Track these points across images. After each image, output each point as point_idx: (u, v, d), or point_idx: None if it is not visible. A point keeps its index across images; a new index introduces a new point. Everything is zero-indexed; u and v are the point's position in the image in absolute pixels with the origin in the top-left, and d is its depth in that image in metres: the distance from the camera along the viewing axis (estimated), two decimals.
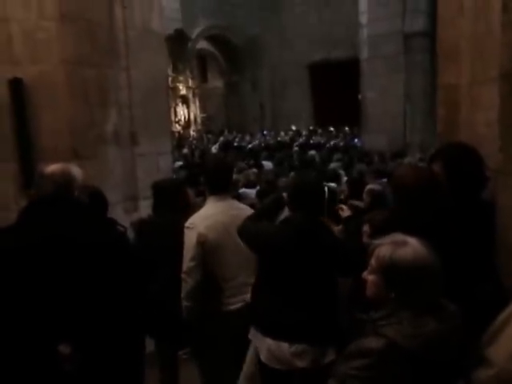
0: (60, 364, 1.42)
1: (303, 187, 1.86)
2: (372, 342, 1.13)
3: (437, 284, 1.16)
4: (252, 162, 7.53)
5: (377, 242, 1.23)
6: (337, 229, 2.50)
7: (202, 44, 14.54)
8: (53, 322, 1.42)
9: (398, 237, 1.20)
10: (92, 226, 1.58)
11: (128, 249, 1.72)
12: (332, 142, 10.95)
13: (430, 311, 1.15)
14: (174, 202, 2.39)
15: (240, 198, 3.49)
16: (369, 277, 1.22)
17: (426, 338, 1.11)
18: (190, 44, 12.78)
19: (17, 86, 2.77)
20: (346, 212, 2.43)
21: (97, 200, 2.09)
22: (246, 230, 1.89)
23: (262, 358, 1.82)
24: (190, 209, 2.43)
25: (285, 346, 1.76)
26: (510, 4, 1.41)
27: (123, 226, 1.92)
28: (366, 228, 1.82)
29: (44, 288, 1.42)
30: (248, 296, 1.98)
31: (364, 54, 10.48)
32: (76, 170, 1.68)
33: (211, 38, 14.61)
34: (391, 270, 1.16)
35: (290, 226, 1.82)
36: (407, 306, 1.15)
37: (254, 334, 1.88)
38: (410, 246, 1.16)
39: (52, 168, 1.64)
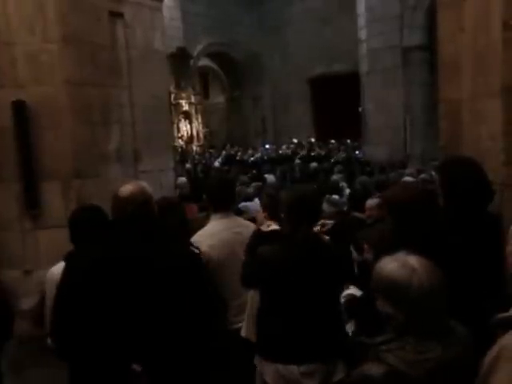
0: (129, 382, 1.45)
1: (298, 202, 1.81)
2: (372, 369, 1.07)
3: (440, 305, 1.09)
4: (254, 175, 7.53)
5: (380, 260, 1.18)
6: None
7: (204, 61, 14.73)
8: (128, 339, 1.45)
9: (399, 255, 1.15)
10: (170, 248, 1.62)
11: (201, 273, 1.73)
12: (334, 155, 10.97)
13: (435, 335, 1.08)
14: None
15: (240, 211, 3.46)
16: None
17: (430, 366, 1.04)
18: (192, 61, 12.95)
19: (20, 108, 2.80)
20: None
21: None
22: (248, 276, 1.85)
23: (269, 380, 1.77)
24: (193, 224, 2.40)
25: (294, 366, 1.72)
26: (510, 22, 1.42)
27: (197, 248, 1.89)
28: (366, 245, 1.80)
29: (123, 307, 1.46)
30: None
31: (364, 67, 10.60)
32: (148, 187, 1.69)
33: (213, 55, 14.81)
34: (390, 290, 1.11)
35: (289, 244, 1.79)
36: (410, 330, 1.09)
37: (258, 360, 1.84)
38: (409, 265, 1.10)
39: (129, 188, 1.63)
